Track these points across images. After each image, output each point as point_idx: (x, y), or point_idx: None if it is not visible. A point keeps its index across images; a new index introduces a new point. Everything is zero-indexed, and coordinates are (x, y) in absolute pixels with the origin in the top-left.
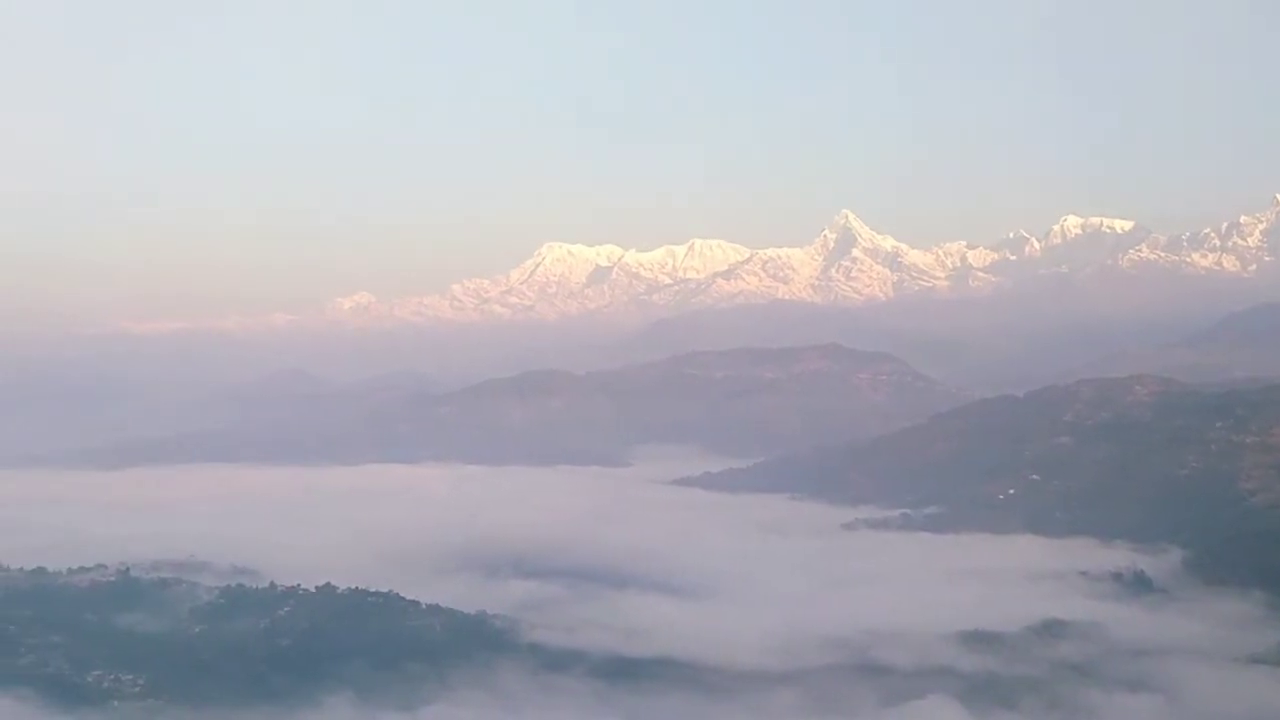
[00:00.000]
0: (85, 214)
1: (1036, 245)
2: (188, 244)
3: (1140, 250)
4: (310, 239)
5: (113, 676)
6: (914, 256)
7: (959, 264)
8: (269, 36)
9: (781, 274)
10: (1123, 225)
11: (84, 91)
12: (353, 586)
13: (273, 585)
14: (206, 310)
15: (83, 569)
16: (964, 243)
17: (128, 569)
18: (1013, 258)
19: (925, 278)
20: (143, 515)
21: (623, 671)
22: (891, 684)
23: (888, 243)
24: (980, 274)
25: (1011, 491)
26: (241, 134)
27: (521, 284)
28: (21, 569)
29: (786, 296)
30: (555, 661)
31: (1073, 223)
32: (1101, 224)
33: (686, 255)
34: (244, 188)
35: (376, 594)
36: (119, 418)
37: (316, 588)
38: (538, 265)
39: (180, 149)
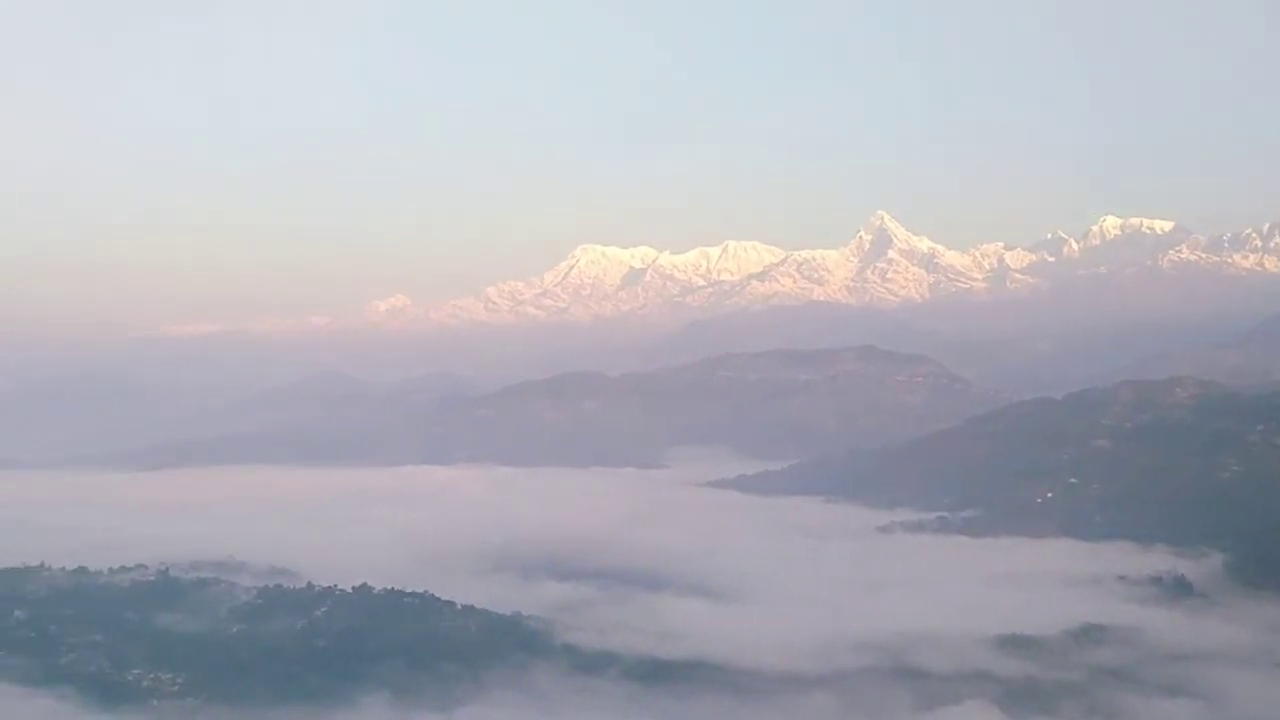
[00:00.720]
0: (124, 218)
1: (1075, 246)
2: (225, 248)
3: (1180, 251)
4: (347, 242)
5: (152, 675)
6: (950, 258)
7: (996, 265)
8: (308, 39)
9: (816, 276)
10: (1163, 226)
11: (118, 94)
12: (389, 587)
13: (310, 586)
14: (245, 313)
15: (123, 569)
16: (1001, 244)
17: (167, 569)
18: (1051, 259)
19: (962, 279)
20: (182, 516)
21: (657, 674)
22: (928, 688)
23: (924, 244)
24: (1018, 275)
25: (1049, 494)
26: (278, 137)
27: (556, 286)
28: (64, 568)
29: (821, 298)
30: (589, 663)
31: (1112, 223)
32: (1141, 224)
33: (721, 257)
34: (282, 192)
35: (412, 595)
36: (159, 419)
37: (353, 588)
38: (572, 267)
39: (218, 153)
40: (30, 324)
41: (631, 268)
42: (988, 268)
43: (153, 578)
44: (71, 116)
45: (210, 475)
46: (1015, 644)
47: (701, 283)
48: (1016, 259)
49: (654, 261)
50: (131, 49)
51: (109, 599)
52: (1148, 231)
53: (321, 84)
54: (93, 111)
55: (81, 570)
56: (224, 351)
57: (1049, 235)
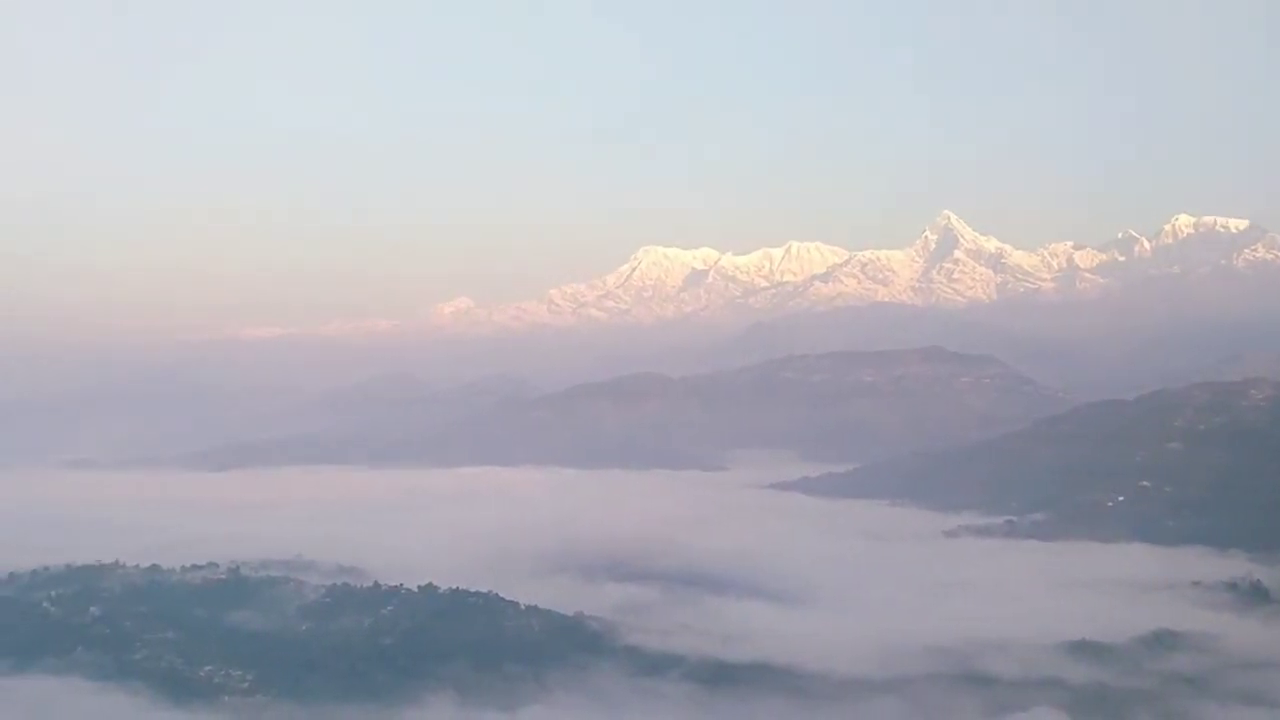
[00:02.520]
0: (194, 224)
1: (1147, 245)
2: (293, 252)
3: (1256, 250)
4: (411, 246)
5: (223, 672)
6: (1018, 257)
7: (1065, 265)
8: (371, 39)
9: (881, 276)
10: (1237, 224)
11: (185, 98)
12: (453, 587)
13: (376, 585)
14: (312, 316)
15: (195, 567)
16: (1070, 243)
17: (238, 567)
18: (1122, 258)
19: (1030, 279)
20: (252, 515)
21: (720, 677)
22: (996, 694)
23: (991, 244)
24: (1088, 275)
25: (1120, 498)
26: (345, 142)
27: (618, 288)
28: (138, 566)
29: (886, 299)
30: (652, 665)
31: (1185, 222)
32: (1215, 223)
33: (784, 258)
34: (348, 196)
35: (476, 594)
36: (229, 420)
37: (418, 587)
38: (634, 269)
39: (286, 158)
40: (105, 328)
41: (694, 269)
42: (1057, 268)
43: (223, 576)
44: (134, 119)
45: (279, 475)
46: (1086, 650)
47: (764, 284)
48: (1086, 259)
49: (716, 263)
50: (200, 48)
51: (181, 596)
52: (1222, 230)
53: (382, 86)
54: (158, 114)
55: (155, 568)
56: (292, 354)
57: (1120, 234)
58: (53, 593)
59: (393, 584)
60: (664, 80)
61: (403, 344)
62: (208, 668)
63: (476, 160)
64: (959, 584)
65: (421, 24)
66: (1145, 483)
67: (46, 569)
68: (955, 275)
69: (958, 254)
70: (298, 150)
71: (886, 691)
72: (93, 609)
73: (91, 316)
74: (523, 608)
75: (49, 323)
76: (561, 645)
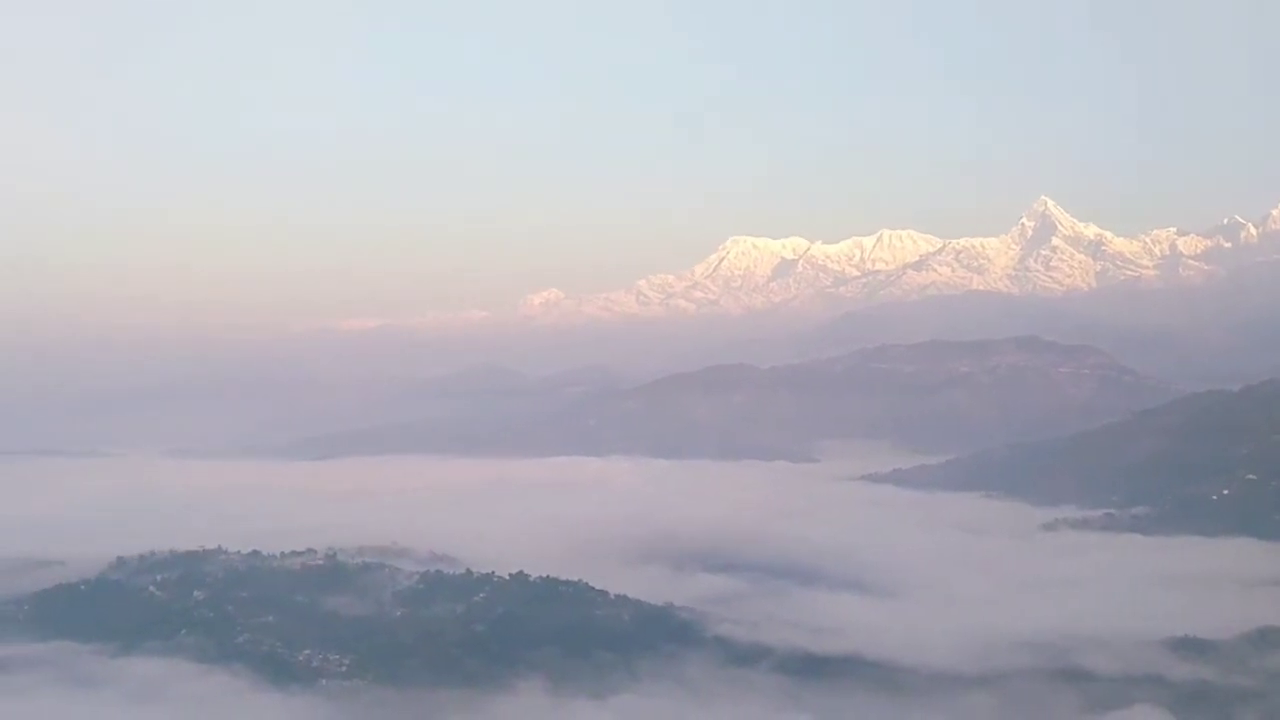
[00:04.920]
0: (294, 222)
1: (1253, 231)
2: (388, 246)
3: None
4: (502, 238)
5: (321, 656)
6: (1119, 244)
7: (1168, 252)
8: (475, 34)
9: (975, 264)
10: None
11: (277, 95)
12: (544, 575)
13: (469, 572)
14: (407, 308)
15: (294, 553)
16: (1173, 229)
17: (335, 554)
18: (1227, 245)
19: (1131, 267)
20: (348, 503)
21: (811, 669)
22: (1095, 691)
23: (1090, 230)
24: (1191, 262)
25: (1225, 491)
26: (437, 137)
27: (706, 278)
28: (239, 552)
29: (981, 287)
30: (742, 656)
31: None
32: None
33: (875, 246)
34: (441, 191)
35: (567, 583)
36: (327, 411)
37: (510, 575)
38: (722, 259)
39: (382, 153)
40: (210, 321)
41: (783, 259)
42: (1159, 254)
43: (321, 562)
44: (228, 119)
45: (374, 464)
46: (1188, 647)
47: (855, 273)
48: (1190, 245)
49: (806, 252)
50: (285, 46)
51: (281, 582)
52: None
53: (472, 82)
54: (253, 114)
55: (255, 554)
56: (387, 345)
57: (1225, 220)
58: (158, 577)
59: (484, 571)
60: (752, 69)
61: (494, 335)
62: (306, 651)
63: (565, 153)
64: (1056, 578)
65: (515, 17)
66: (1251, 475)
67: (152, 554)
68: (1053, 263)
69: (1055, 241)
70: (394, 147)
71: (981, 686)
72: (196, 593)
73: (197, 310)
74: (613, 597)
75: (155, 317)
76: (651, 634)
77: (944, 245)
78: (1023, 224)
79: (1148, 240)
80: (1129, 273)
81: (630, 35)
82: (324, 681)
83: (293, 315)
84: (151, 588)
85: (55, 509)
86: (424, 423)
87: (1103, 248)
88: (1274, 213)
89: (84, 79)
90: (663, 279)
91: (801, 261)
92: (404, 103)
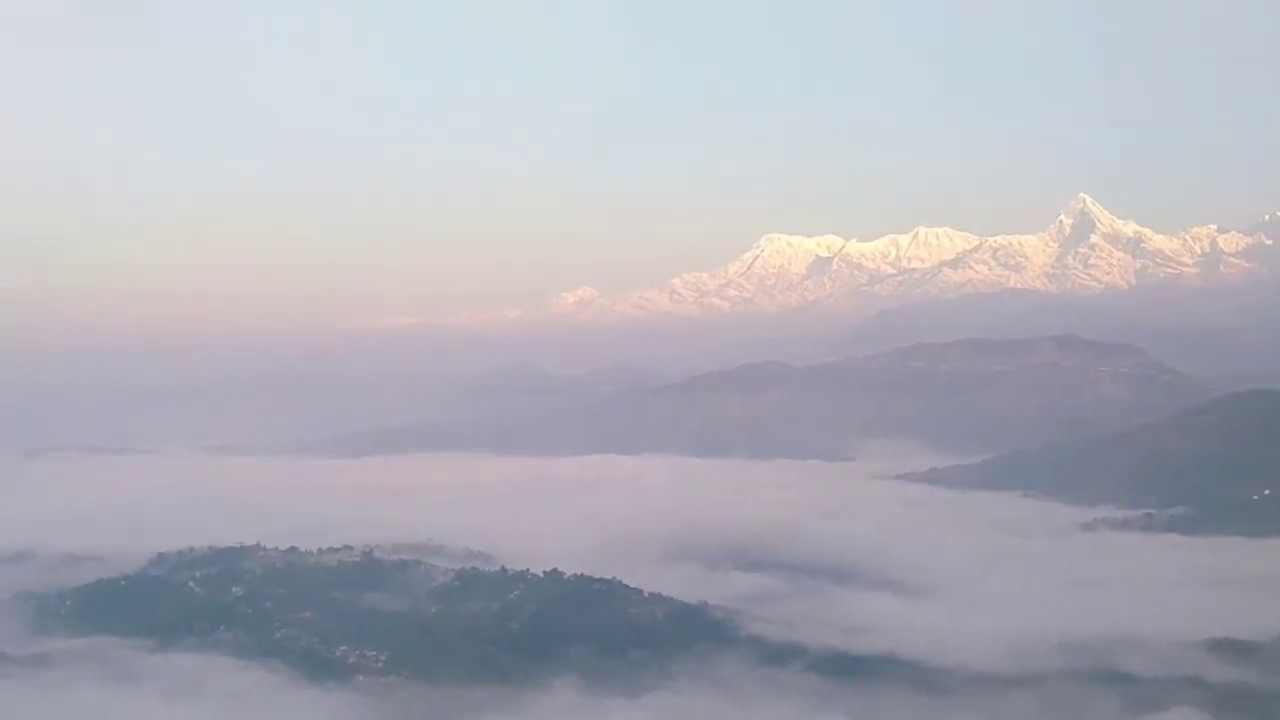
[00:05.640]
0: (331, 221)
1: None
2: (423, 245)
3: None
4: (536, 237)
5: (358, 652)
6: (1158, 242)
7: (1209, 249)
8: (514, 31)
9: (1013, 262)
10: None
11: (319, 94)
12: (578, 573)
13: (503, 569)
14: (442, 306)
15: (331, 550)
16: (1214, 226)
17: (371, 551)
18: (1269, 242)
19: (1171, 264)
20: (385, 500)
21: (845, 668)
22: (1134, 692)
23: (1129, 227)
24: (1232, 259)
25: (1267, 492)
26: (474, 135)
27: (740, 276)
28: (277, 549)
29: (1018, 285)
30: (776, 655)
31: None
32: None
33: (911, 244)
34: (474, 190)
35: (600, 581)
36: (363, 408)
37: (544, 573)
38: (756, 258)
39: (420, 152)
40: (249, 320)
41: (817, 256)
42: (1199, 252)
43: (358, 559)
44: (278, 119)
45: (410, 462)
46: (1229, 649)
47: (891, 271)
48: (1231, 242)
49: (841, 250)
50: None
51: (318, 578)
52: None
53: (508, 81)
54: (301, 114)
55: (293, 550)
56: (423, 344)
57: (1266, 217)
58: (197, 573)
59: (519, 569)
60: (787, 66)
61: (528, 333)
62: (343, 647)
63: (597, 151)
64: (1095, 578)
65: (548, 16)
66: None
67: (192, 550)
68: (1091, 261)
69: (1094, 238)
70: (431, 146)
71: (1018, 687)
72: (235, 589)
73: (236, 310)
74: (646, 595)
75: (196, 315)
76: (685, 633)
77: (981, 243)
78: (1061, 221)
79: (1188, 237)
80: (1169, 270)
81: (663, 32)
82: (360, 677)
83: (331, 314)
84: (191, 584)
85: (97, 505)
86: (459, 421)
87: (1142, 245)
88: None
89: (126, 81)
90: (696, 277)
91: (836, 259)
92: (442, 103)
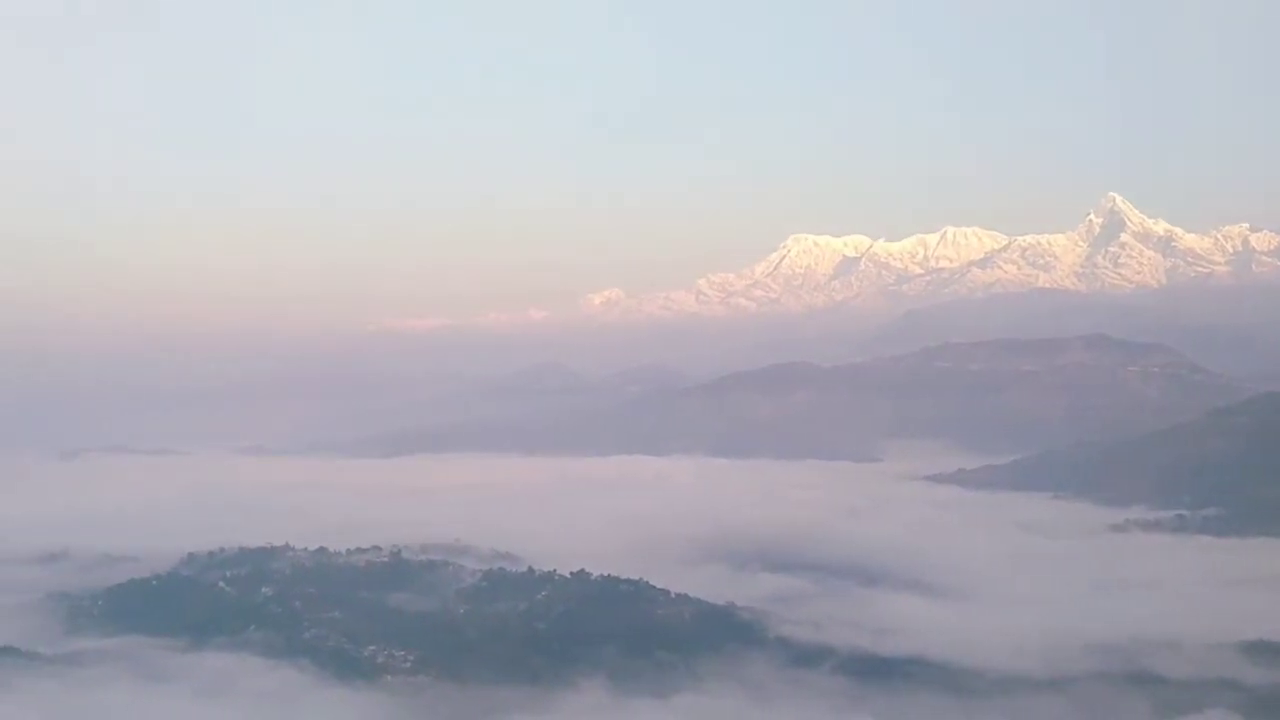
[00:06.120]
0: (356, 219)
1: None
2: (450, 246)
3: None
4: (563, 238)
5: (386, 652)
6: (1189, 240)
7: (1240, 248)
8: (534, 36)
9: (1042, 261)
10: None
11: (341, 93)
12: (605, 574)
13: (531, 570)
14: (470, 307)
15: (359, 550)
16: (1246, 225)
17: (399, 551)
18: None
19: (1202, 263)
20: (413, 501)
21: (873, 670)
22: (1166, 695)
23: (1160, 226)
24: (1265, 258)
25: None
26: (498, 137)
27: (767, 277)
28: (306, 549)
29: (1047, 285)
30: (803, 656)
31: None
32: None
33: (939, 244)
34: (502, 191)
35: (628, 582)
36: (391, 409)
37: (571, 574)
38: (783, 258)
39: (445, 153)
40: (279, 321)
41: (845, 256)
42: (1231, 251)
43: (386, 559)
44: (289, 116)
45: (438, 463)
46: (1263, 650)
47: (918, 270)
48: (1263, 241)
49: (868, 249)
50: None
51: (346, 578)
52: None
53: (532, 83)
54: (314, 112)
55: (322, 551)
56: (451, 344)
57: None
58: (227, 573)
59: (546, 569)
60: (814, 66)
61: (556, 334)
62: (371, 647)
63: (625, 152)
64: (1126, 580)
65: (571, 14)
66: None
67: (222, 550)
68: (1121, 260)
69: (1124, 237)
70: (460, 148)
71: (1049, 689)
72: (264, 589)
73: (266, 311)
74: (673, 596)
75: (226, 317)
76: (712, 634)
77: (1009, 242)
78: (1090, 220)
79: (1219, 236)
80: (1200, 269)
81: (693, 32)
82: (388, 677)
83: (360, 315)
84: (221, 583)
85: (128, 505)
86: (486, 421)
87: (1173, 244)
88: None
89: (143, 78)
90: (723, 277)
91: (864, 259)
92: (468, 104)
